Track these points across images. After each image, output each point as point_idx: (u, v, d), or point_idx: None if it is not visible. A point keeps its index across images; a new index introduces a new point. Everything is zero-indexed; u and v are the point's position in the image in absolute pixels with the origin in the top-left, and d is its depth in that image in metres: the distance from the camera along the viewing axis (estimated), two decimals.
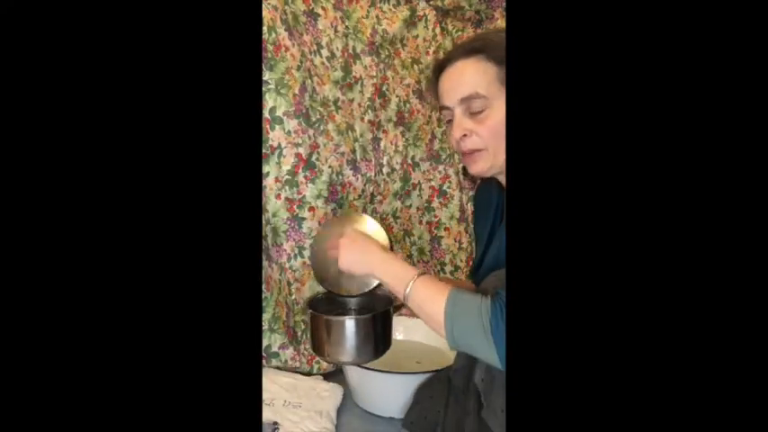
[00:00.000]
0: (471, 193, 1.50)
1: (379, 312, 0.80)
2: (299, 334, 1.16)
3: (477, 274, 0.81)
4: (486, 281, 0.73)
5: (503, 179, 0.80)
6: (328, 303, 0.88)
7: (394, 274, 0.72)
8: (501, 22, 1.45)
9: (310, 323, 0.82)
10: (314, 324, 0.81)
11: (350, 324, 0.78)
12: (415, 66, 1.45)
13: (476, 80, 0.74)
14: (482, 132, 0.74)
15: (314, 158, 1.13)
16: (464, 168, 0.84)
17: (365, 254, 0.76)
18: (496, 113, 0.73)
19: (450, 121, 0.78)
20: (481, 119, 0.74)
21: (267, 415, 0.93)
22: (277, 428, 0.91)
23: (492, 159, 0.75)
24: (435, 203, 1.50)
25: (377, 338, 0.80)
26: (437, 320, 0.67)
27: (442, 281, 0.73)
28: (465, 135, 0.75)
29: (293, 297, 1.16)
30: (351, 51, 1.28)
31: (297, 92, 1.09)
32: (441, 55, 1.52)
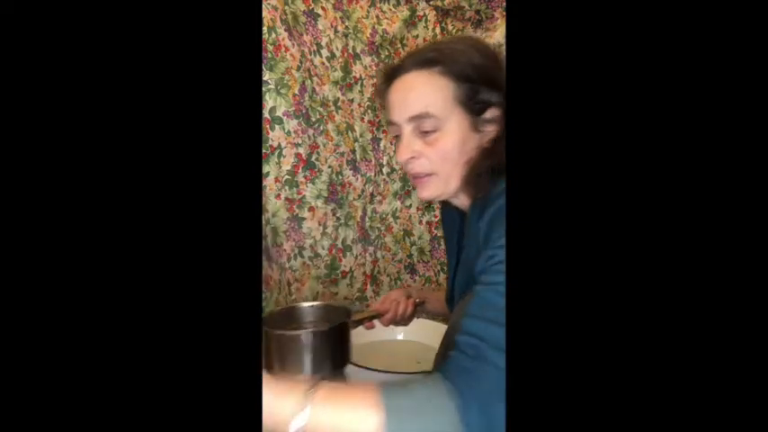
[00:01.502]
0: None
1: (336, 325, 0.75)
2: None
3: (451, 303, 0.78)
4: (457, 308, 0.69)
5: (460, 202, 0.72)
6: (285, 318, 0.84)
7: (272, 407, 0.48)
8: (501, 23, 1.45)
9: (264, 341, 0.74)
10: (267, 342, 0.73)
11: (306, 338, 0.72)
12: None
13: (428, 97, 0.65)
14: (432, 156, 0.66)
15: (314, 158, 1.13)
16: None
17: None
18: (449, 136, 0.65)
19: (398, 137, 0.69)
20: (431, 141, 0.66)
21: None
22: None
23: (443, 185, 0.68)
24: (435, 203, 1.50)
25: (334, 352, 0.74)
26: None
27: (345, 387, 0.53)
28: (413, 157, 0.67)
29: (293, 297, 1.16)
30: (351, 51, 1.28)
31: (297, 92, 1.09)
32: None
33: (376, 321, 0.92)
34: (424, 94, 0.65)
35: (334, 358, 0.74)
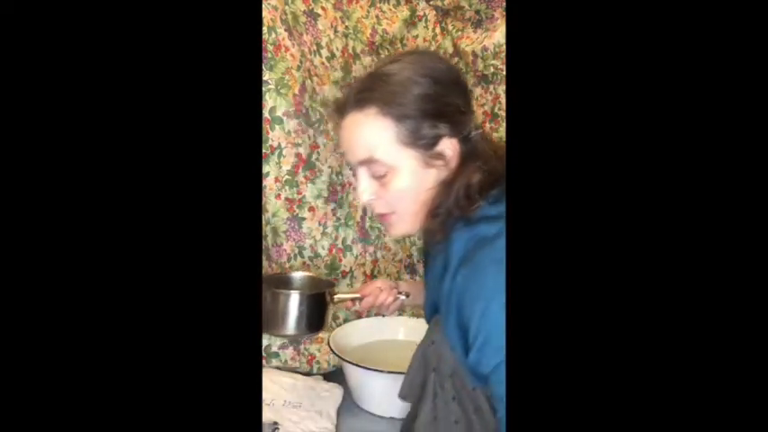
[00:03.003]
0: None
1: (318, 292, 0.88)
2: None
3: (425, 315, 0.78)
4: (428, 331, 0.70)
5: (430, 228, 0.68)
6: (276, 282, 0.95)
7: None
8: (501, 23, 1.45)
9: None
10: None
11: (292, 298, 0.85)
12: None
13: (370, 142, 0.63)
14: (388, 198, 0.65)
15: (314, 158, 1.13)
16: None
17: None
18: (400, 178, 0.64)
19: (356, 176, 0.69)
20: (385, 182, 0.64)
21: (267, 415, 0.93)
22: (277, 428, 0.91)
23: (404, 224, 0.67)
24: None
25: (313, 316, 0.86)
26: None
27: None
28: (372, 199, 0.67)
29: None
30: (351, 51, 1.28)
31: (297, 92, 1.09)
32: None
33: (357, 304, 0.99)
34: (366, 138, 0.64)
35: (312, 320, 0.87)
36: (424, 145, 0.63)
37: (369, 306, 0.93)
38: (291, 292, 0.88)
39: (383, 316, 1.26)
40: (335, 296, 0.90)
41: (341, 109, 0.67)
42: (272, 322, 0.86)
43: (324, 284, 0.95)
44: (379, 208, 0.68)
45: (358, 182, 0.67)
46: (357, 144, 0.65)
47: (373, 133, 0.63)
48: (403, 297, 0.94)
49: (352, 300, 0.96)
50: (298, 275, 0.99)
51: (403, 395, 0.73)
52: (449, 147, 0.64)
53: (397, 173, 0.64)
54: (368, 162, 0.64)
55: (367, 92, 0.64)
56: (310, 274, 1.02)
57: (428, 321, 0.76)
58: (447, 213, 0.63)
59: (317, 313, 0.87)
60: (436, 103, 0.63)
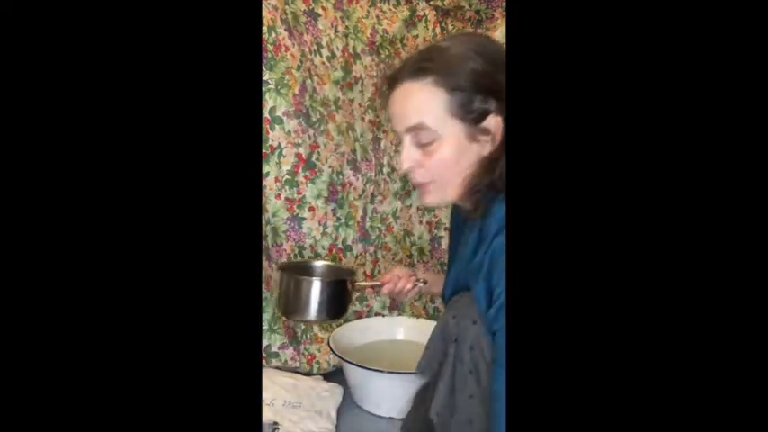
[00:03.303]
0: None
1: (340, 279, 0.92)
2: (299, 334, 1.16)
3: (444, 296, 0.80)
4: (449, 307, 0.72)
5: (467, 204, 0.72)
6: (299, 270, 0.98)
7: None
8: (501, 23, 1.45)
9: (280, 284, 0.91)
10: (284, 285, 0.90)
11: (315, 284, 0.88)
12: None
13: (422, 109, 0.66)
14: (429, 166, 0.68)
15: (314, 158, 1.13)
16: None
17: None
18: (445, 147, 0.66)
19: (400, 145, 0.71)
20: (429, 151, 0.67)
21: (267, 415, 0.93)
22: (277, 428, 0.91)
23: (442, 193, 0.70)
24: None
25: (334, 302, 0.89)
26: None
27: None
28: (413, 167, 0.69)
29: None
30: (351, 51, 1.28)
31: (297, 92, 1.09)
32: None
33: (376, 291, 1.04)
34: (418, 106, 0.66)
35: (333, 306, 0.90)
36: (473, 119, 0.65)
37: (388, 292, 0.96)
38: (314, 278, 0.90)
39: (383, 316, 1.27)
40: (356, 283, 0.93)
41: (393, 80, 0.70)
42: (293, 308, 0.89)
43: (344, 272, 0.98)
44: (419, 177, 0.70)
45: (402, 149, 0.69)
46: (408, 111, 0.67)
47: (425, 101, 0.66)
48: (421, 284, 0.96)
49: (372, 287, 1.01)
50: (318, 264, 1.02)
51: (421, 369, 0.75)
52: (494, 124, 0.66)
53: (442, 142, 0.66)
54: (416, 129, 0.67)
55: (424, 62, 0.66)
56: (329, 263, 1.06)
57: (446, 301, 0.77)
58: (489, 188, 0.65)
59: (338, 300, 0.90)
60: (487, 79, 0.65)
